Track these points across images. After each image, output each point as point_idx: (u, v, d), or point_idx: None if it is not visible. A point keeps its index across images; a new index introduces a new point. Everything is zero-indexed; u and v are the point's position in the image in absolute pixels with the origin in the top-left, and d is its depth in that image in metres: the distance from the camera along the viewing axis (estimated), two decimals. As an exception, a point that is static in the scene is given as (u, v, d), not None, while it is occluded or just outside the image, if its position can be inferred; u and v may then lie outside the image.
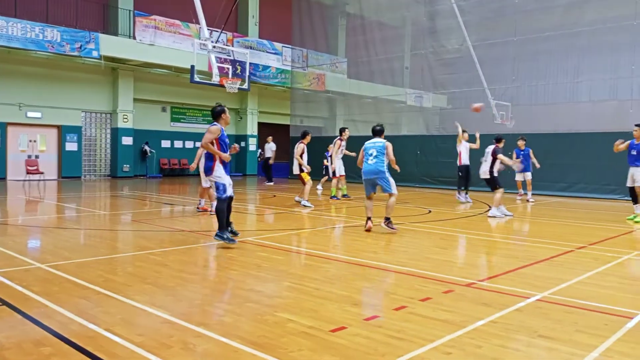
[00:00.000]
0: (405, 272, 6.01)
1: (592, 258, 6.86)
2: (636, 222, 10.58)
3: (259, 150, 28.16)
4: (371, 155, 8.87)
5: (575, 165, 17.02)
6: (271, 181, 21.43)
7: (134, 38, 21.87)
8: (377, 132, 9.15)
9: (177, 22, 23.10)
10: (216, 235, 7.21)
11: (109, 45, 20.88)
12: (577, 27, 18.38)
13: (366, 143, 9.11)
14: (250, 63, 20.56)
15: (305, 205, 12.75)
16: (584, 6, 18.50)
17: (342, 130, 14.90)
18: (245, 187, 19.41)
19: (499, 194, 11.29)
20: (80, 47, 19.91)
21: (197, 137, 23.69)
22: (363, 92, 26.16)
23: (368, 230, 8.79)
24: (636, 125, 10.74)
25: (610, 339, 3.80)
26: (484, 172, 11.51)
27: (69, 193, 16.22)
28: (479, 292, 5.09)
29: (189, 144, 26.15)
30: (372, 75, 25.26)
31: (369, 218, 8.95)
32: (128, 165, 23.83)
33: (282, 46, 27.58)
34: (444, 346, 3.61)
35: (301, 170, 13.10)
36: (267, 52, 27.02)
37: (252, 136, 28.21)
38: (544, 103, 20.52)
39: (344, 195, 14.86)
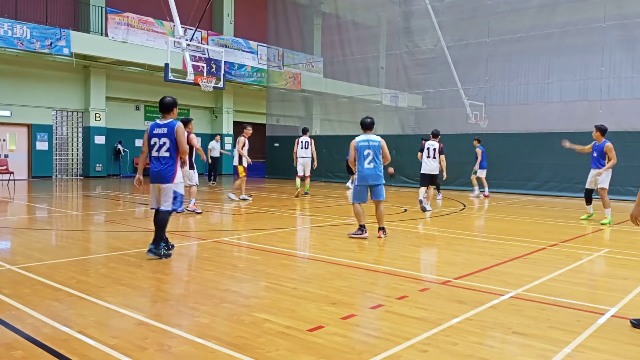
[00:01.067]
0: (381, 271, 6.05)
1: (564, 255, 6.99)
2: (602, 223, 10.30)
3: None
4: (367, 156, 7.95)
5: (546, 164, 17.34)
6: (214, 181, 20.68)
7: (106, 35, 21.50)
8: (368, 125, 8.10)
9: (151, 19, 22.80)
10: (150, 250, 6.41)
11: (81, 43, 20.47)
12: (549, 28, 18.74)
13: (358, 140, 8.05)
14: (225, 61, 20.44)
15: (231, 198, 13.53)
16: (555, 8, 18.87)
17: (306, 130, 15.67)
18: (221, 187, 19.26)
19: (433, 189, 12.12)
20: (51, 44, 19.49)
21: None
22: (339, 92, 26.24)
23: (366, 237, 8.07)
24: (595, 126, 10.64)
25: (582, 334, 3.87)
26: (434, 169, 11.81)
27: (40, 193, 15.89)
28: (455, 289, 5.14)
29: (164, 143, 25.86)
30: (348, 74, 25.36)
31: (363, 226, 8.11)
32: (101, 165, 23.46)
33: (258, 45, 27.45)
34: (420, 344, 3.64)
35: (240, 163, 13.54)
36: (243, 50, 26.86)
37: (228, 135, 28.02)
38: (516, 103, 20.88)
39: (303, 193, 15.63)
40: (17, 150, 21.41)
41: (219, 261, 6.33)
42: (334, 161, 22.61)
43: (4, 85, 20.55)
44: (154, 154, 6.43)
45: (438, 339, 3.75)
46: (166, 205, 6.40)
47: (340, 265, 6.24)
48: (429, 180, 11.88)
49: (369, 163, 7.95)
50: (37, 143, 21.86)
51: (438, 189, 15.06)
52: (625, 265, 6.60)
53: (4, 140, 21.06)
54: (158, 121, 6.53)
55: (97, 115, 23.09)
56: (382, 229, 8.26)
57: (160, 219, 6.42)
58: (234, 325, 3.99)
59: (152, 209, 6.59)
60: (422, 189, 11.87)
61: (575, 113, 17.94)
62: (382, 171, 8.13)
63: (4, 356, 3.34)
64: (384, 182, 8.15)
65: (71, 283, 5.13)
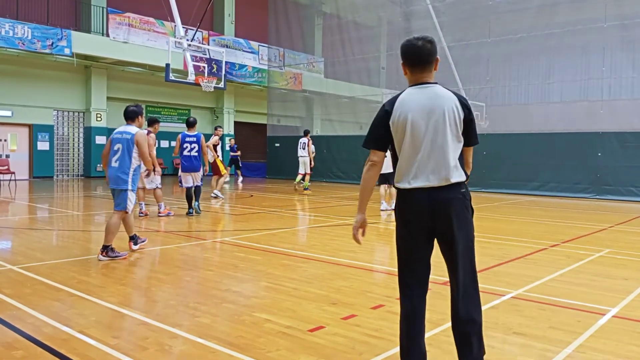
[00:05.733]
0: (382, 271, 6.05)
1: (565, 256, 6.99)
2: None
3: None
4: (116, 152, 6.66)
5: (547, 164, 17.31)
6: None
7: (107, 35, 21.51)
8: (127, 114, 6.89)
9: (152, 19, 22.82)
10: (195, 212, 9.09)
11: (82, 43, 20.49)
12: (549, 28, 18.73)
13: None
14: (226, 62, 20.44)
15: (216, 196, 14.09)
16: (555, 8, 18.85)
17: (305, 132, 17.68)
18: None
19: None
20: (52, 45, 19.50)
21: (172, 136, 23.46)
22: (340, 92, 26.25)
23: None
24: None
25: (583, 335, 3.87)
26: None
27: (41, 193, 15.91)
28: (455, 290, 5.13)
29: (164, 144, 25.85)
30: (349, 75, 25.37)
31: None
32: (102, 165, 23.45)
33: (259, 45, 27.46)
34: (421, 344, 3.63)
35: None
36: (244, 51, 26.87)
37: (229, 135, 28.03)
38: (517, 103, 20.87)
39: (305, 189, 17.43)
40: (18, 151, 21.43)
41: (220, 261, 6.33)
42: (334, 161, 22.63)
43: (5, 86, 20.56)
44: (187, 153, 10.61)
45: (439, 339, 3.75)
46: (200, 181, 10.83)
47: (340, 265, 6.24)
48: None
49: (115, 161, 6.56)
50: (38, 143, 21.87)
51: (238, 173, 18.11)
52: (625, 265, 6.59)
53: (5, 140, 21.08)
54: (187, 132, 10.67)
55: (98, 115, 23.11)
56: (105, 247, 6.36)
57: (200, 190, 10.87)
58: (235, 325, 3.99)
59: (187, 187, 10.71)
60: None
61: (575, 113, 17.94)
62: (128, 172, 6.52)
63: (5, 356, 3.34)
64: (127, 187, 6.50)
65: (72, 283, 5.13)
